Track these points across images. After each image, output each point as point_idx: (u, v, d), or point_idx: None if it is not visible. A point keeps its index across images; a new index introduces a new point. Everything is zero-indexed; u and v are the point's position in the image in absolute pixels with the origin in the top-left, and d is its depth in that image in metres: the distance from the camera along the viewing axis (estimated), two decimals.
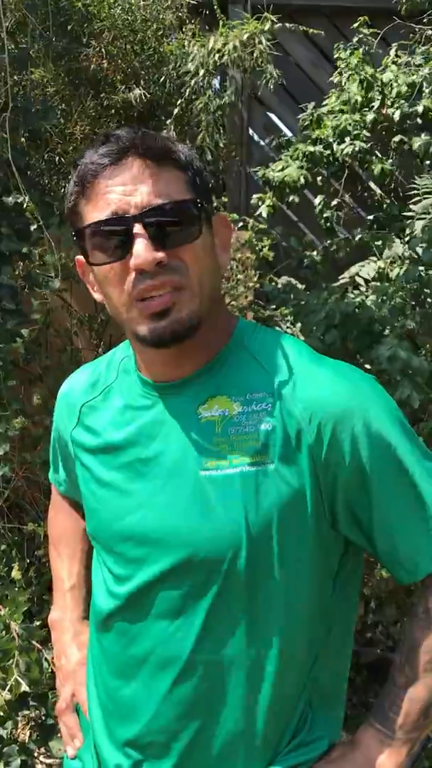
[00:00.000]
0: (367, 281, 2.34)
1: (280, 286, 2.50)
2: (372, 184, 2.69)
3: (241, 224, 2.52)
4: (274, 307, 2.44)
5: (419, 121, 2.51)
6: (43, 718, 1.94)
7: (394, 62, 2.54)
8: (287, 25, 2.57)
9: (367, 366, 2.12)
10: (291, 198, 2.59)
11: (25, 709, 1.93)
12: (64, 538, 1.24)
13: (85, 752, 1.08)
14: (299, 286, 2.51)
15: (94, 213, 0.86)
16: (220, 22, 2.61)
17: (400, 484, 0.89)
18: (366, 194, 2.76)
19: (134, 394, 1.00)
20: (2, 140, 2.12)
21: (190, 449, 0.91)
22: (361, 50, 2.56)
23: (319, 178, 2.62)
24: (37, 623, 2.14)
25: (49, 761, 2.13)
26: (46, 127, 2.50)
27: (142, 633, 0.94)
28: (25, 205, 2.10)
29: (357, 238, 2.56)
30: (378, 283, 2.27)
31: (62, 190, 2.84)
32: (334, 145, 2.50)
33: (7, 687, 1.88)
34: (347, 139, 2.48)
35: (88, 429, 1.04)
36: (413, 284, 2.16)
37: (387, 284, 2.22)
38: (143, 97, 2.71)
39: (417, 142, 2.45)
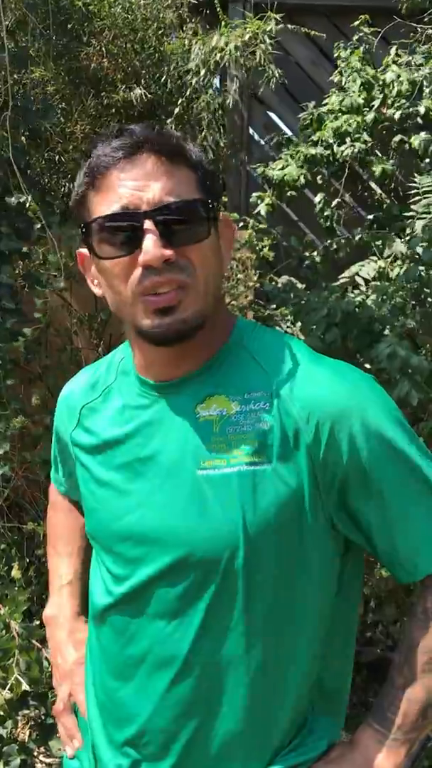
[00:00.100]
0: (367, 281, 2.34)
1: (280, 285, 2.50)
2: (372, 184, 2.69)
3: (241, 224, 2.52)
4: (274, 306, 2.44)
5: (420, 120, 2.51)
6: (43, 717, 1.94)
7: (394, 62, 2.54)
8: (289, 26, 2.57)
9: (367, 365, 2.12)
10: (289, 193, 2.59)
11: (25, 709, 1.93)
12: (61, 537, 1.24)
13: (82, 752, 1.08)
14: (299, 285, 2.51)
15: (104, 206, 0.86)
16: (223, 22, 2.61)
17: (399, 484, 0.89)
18: (366, 194, 2.76)
19: (132, 394, 0.99)
20: (3, 139, 2.12)
21: (188, 448, 0.91)
22: (361, 49, 2.56)
23: (318, 178, 2.62)
24: (37, 622, 2.14)
25: (48, 760, 2.13)
26: (46, 126, 2.50)
27: (139, 632, 0.94)
28: (27, 205, 2.10)
29: (357, 238, 2.56)
30: (378, 283, 2.27)
31: (62, 189, 2.84)
32: (335, 147, 2.50)
33: (8, 686, 1.88)
34: (347, 140, 2.48)
35: (87, 430, 1.04)
36: (413, 284, 2.16)
37: (387, 284, 2.22)
38: (144, 96, 2.71)
39: (417, 140, 2.45)
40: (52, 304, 2.48)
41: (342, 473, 0.88)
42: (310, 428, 0.87)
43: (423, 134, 2.47)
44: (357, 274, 2.34)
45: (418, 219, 2.23)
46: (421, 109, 2.46)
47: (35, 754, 2.01)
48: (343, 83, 2.58)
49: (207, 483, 0.88)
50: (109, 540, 0.98)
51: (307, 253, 2.68)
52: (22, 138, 2.38)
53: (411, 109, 2.47)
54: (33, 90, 2.70)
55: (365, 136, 2.47)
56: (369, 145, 2.50)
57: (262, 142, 2.93)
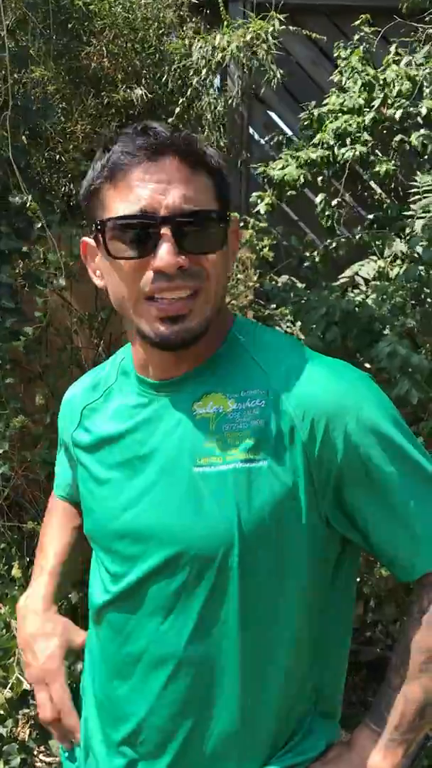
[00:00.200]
0: (366, 281, 2.34)
1: (280, 285, 2.50)
2: (372, 183, 2.69)
3: (241, 224, 2.53)
4: (274, 306, 2.44)
5: (420, 120, 2.51)
6: None
7: (395, 61, 2.54)
8: (291, 27, 2.57)
9: (367, 365, 2.12)
10: (289, 193, 2.59)
11: (25, 708, 1.94)
12: (49, 533, 1.22)
13: (79, 751, 1.07)
14: (299, 285, 2.51)
15: (121, 204, 0.86)
16: (225, 22, 2.61)
17: (395, 482, 0.89)
18: (366, 194, 2.76)
19: (132, 393, 1.00)
20: (3, 139, 2.12)
21: (185, 446, 0.91)
22: (361, 49, 2.56)
23: (319, 178, 2.62)
24: None
25: (48, 759, 2.14)
26: (46, 126, 2.50)
27: (136, 631, 0.94)
28: (27, 204, 2.10)
29: (357, 238, 2.56)
30: (378, 282, 2.27)
31: (62, 189, 2.84)
32: (336, 149, 2.50)
33: (8, 685, 1.88)
34: (348, 140, 2.48)
35: (87, 429, 1.05)
36: (413, 283, 2.16)
37: (387, 283, 2.23)
38: (144, 96, 2.71)
39: (415, 137, 2.45)
40: (52, 303, 2.48)
41: (337, 471, 0.88)
42: (306, 426, 0.87)
43: (422, 131, 2.47)
44: (357, 273, 2.34)
45: (417, 218, 2.23)
46: (423, 110, 2.46)
47: (35, 753, 2.01)
48: (343, 83, 2.58)
49: (203, 480, 0.88)
50: (107, 539, 0.98)
51: (307, 253, 2.68)
52: (22, 137, 2.38)
53: (411, 109, 2.47)
54: (33, 89, 2.70)
55: (366, 136, 2.46)
56: (369, 145, 2.50)
57: (262, 142, 2.93)
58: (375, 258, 2.35)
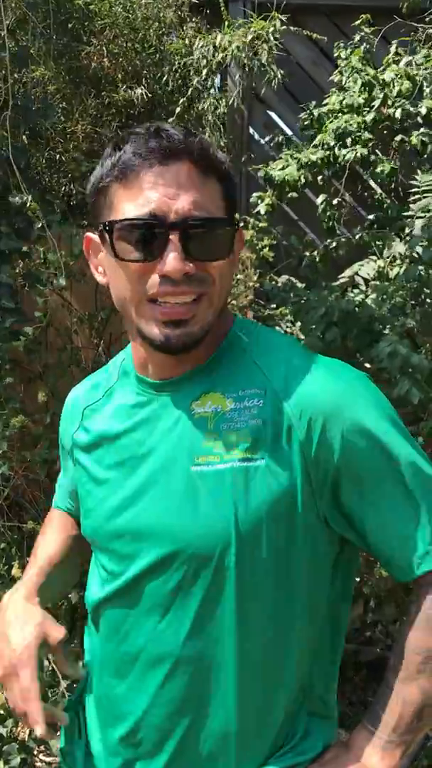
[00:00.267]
0: (366, 281, 2.34)
1: (280, 284, 2.50)
2: (372, 184, 2.69)
3: (241, 224, 2.52)
4: (274, 306, 2.44)
5: (420, 120, 2.51)
6: None
7: (395, 61, 2.54)
8: (291, 28, 2.57)
9: (367, 365, 2.12)
10: (290, 194, 2.59)
11: None
12: (45, 534, 1.20)
13: (77, 748, 1.07)
14: (299, 285, 2.51)
15: (130, 203, 0.86)
16: (226, 22, 2.61)
17: (392, 483, 0.89)
18: (366, 194, 2.76)
19: (132, 392, 1.00)
20: (3, 138, 2.12)
21: (183, 445, 0.91)
22: (361, 49, 2.56)
23: (320, 178, 2.62)
24: None
25: (48, 759, 2.14)
26: (46, 126, 2.50)
27: (134, 630, 0.94)
28: (27, 204, 2.10)
29: (357, 237, 2.56)
30: (378, 282, 2.27)
31: (63, 189, 2.84)
32: (336, 150, 2.50)
33: None
34: (348, 141, 2.47)
35: (87, 429, 1.05)
36: (413, 283, 2.16)
37: (387, 283, 2.22)
38: (144, 95, 2.71)
39: (416, 136, 2.45)
40: (52, 303, 2.49)
41: (334, 470, 0.88)
42: (303, 425, 0.87)
43: (422, 130, 2.47)
44: (357, 273, 2.34)
45: (416, 218, 2.23)
46: (423, 110, 2.46)
47: (35, 753, 2.01)
48: (343, 83, 2.58)
49: (200, 479, 0.88)
50: (105, 538, 0.98)
51: (307, 253, 2.68)
52: (23, 137, 2.38)
53: (411, 109, 2.47)
54: (33, 89, 2.70)
55: (366, 135, 2.46)
56: (370, 145, 2.50)
57: (262, 142, 2.93)
58: (375, 258, 2.35)
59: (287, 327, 2.37)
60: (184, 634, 0.90)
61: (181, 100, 2.64)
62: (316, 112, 2.60)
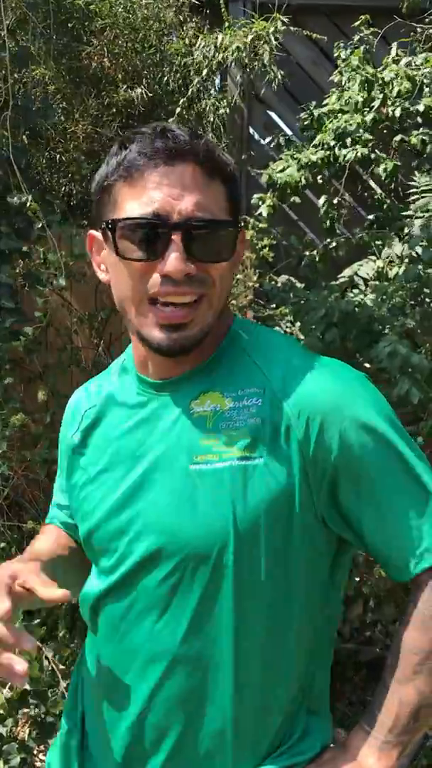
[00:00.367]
0: (366, 281, 2.34)
1: (279, 285, 2.50)
2: (372, 184, 2.69)
3: (242, 224, 2.52)
4: (274, 306, 2.44)
5: (419, 120, 2.51)
6: (43, 716, 1.94)
7: (395, 61, 2.54)
8: (291, 28, 2.58)
9: (367, 365, 2.12)
10: (293, 199, 2.59)
11: (24, 707, 1.94)
12: (31, 548, 1.14)
13: (75, 746, 1.07)
14: (299, 285, 2.51)
15: (134, 202, 0.86)
16: (226, 22, 2.61)
17: (389, 483, 0.89)
18: (366, 194, 2.76)
19: (132, 392, 1.00)
20: (3, 138, 2.13)
21: (182, 444, 0.91)
22: (361, 49, 2.56)
23: (319, 178, 2.62)
24: (37, 620, 2.15)
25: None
26: (46, 126, 2.50)
27: (132, 629, 0.94)
28: (27, 204, 2.11)
29: (357, 237, 2.56)
30: (377, 282, 2.27)
31: (63, 189, 2.84)
32: (336, 150, 2.50)
33: (8, 685, 1.88)
34: (348, 141, 2.48)
35: (87, 430, 1.05)
36: (413, 283, 2.16)
37: (386, 283, 2.23)
38: (145, 95, 2.72)
39: (415, 135, 2.45)
40: (52, 303, 2.49)
41: (332, 470, 0.88)
42: (301, 424, 0.87)
43: (421, 130, 2.47)
44: (356, 273, 2.34)
45: (415, 218, 2.23)
46: (420, 107, 2.46)
47: (35, 752, 2.01)
48: (343, 83, 2.58)
49: (199, 478, 0.89)
50: (104, 539, 0.98)
51: (306, 253, 2.68)
52: (23, 137, 2.38)
53: (412, 108, 2.47)
54: (33, 89, 2.70)
55: (366, 135, 2.46)
56: (370, 145, 2.50)
57: (263, 142, 2.93)
58: (374, 258, 2.35)
59: (287, 327, 2.37)
60: (182, 633, 0.90)
61: (182, 101, 2.64)
62: (316, 113, 2.60)
